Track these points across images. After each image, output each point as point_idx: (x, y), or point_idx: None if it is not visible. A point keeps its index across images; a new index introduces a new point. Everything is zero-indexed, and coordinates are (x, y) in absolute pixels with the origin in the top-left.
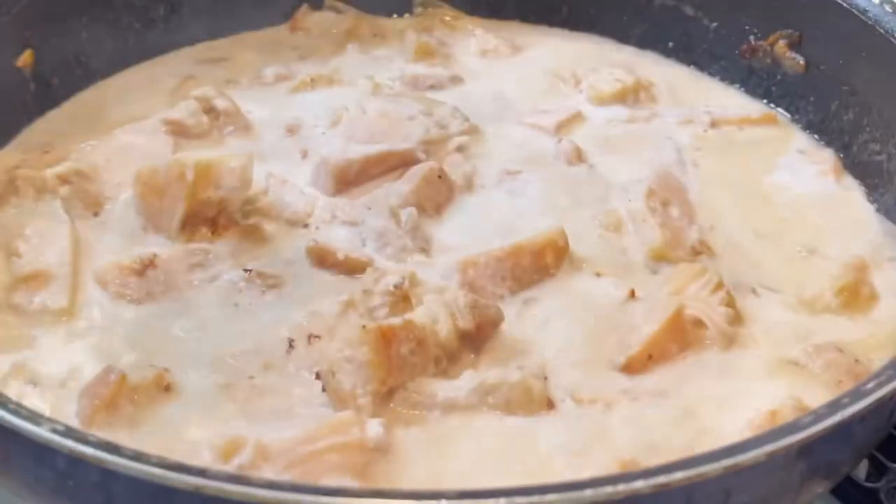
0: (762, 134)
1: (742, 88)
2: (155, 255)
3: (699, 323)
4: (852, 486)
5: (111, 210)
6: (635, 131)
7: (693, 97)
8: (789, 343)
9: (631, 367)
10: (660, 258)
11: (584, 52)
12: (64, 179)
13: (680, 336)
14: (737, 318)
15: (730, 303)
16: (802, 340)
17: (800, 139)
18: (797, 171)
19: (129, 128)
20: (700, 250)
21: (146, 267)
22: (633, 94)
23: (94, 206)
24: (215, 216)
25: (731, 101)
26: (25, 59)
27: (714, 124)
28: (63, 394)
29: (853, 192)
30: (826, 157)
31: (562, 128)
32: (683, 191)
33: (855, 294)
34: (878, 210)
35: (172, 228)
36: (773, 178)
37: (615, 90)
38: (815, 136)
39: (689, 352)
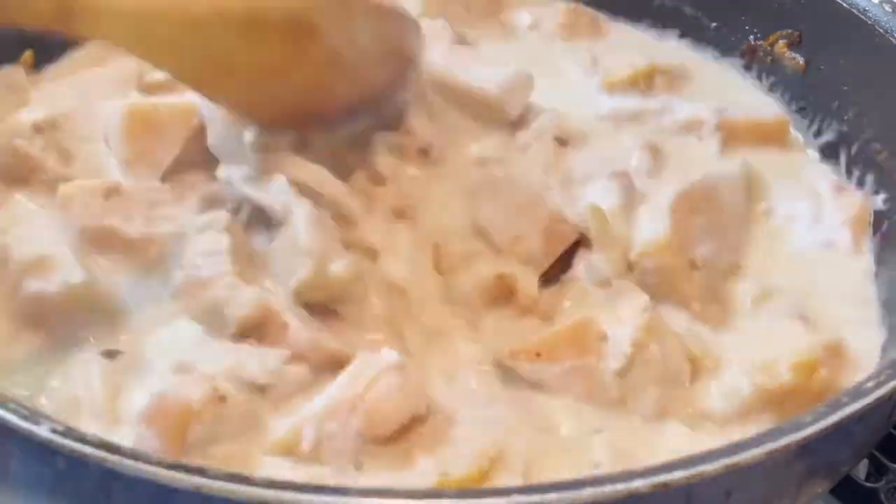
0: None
1: (760, 85)
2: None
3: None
4: (852, 486)
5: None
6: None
7: (710, 90)
8: None
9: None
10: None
11: None
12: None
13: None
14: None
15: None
16: None
17: (814, 171)
18: (806, 215)
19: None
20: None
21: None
22: (646, 81)
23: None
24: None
25: (748, 98)
26: (26, 59)
27: (721, 127)
28: None
29: (866, 257)
30: (849, 205)
31: None
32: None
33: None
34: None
35: (162, 170)
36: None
37: (627, 76)
38: (834, 165)
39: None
